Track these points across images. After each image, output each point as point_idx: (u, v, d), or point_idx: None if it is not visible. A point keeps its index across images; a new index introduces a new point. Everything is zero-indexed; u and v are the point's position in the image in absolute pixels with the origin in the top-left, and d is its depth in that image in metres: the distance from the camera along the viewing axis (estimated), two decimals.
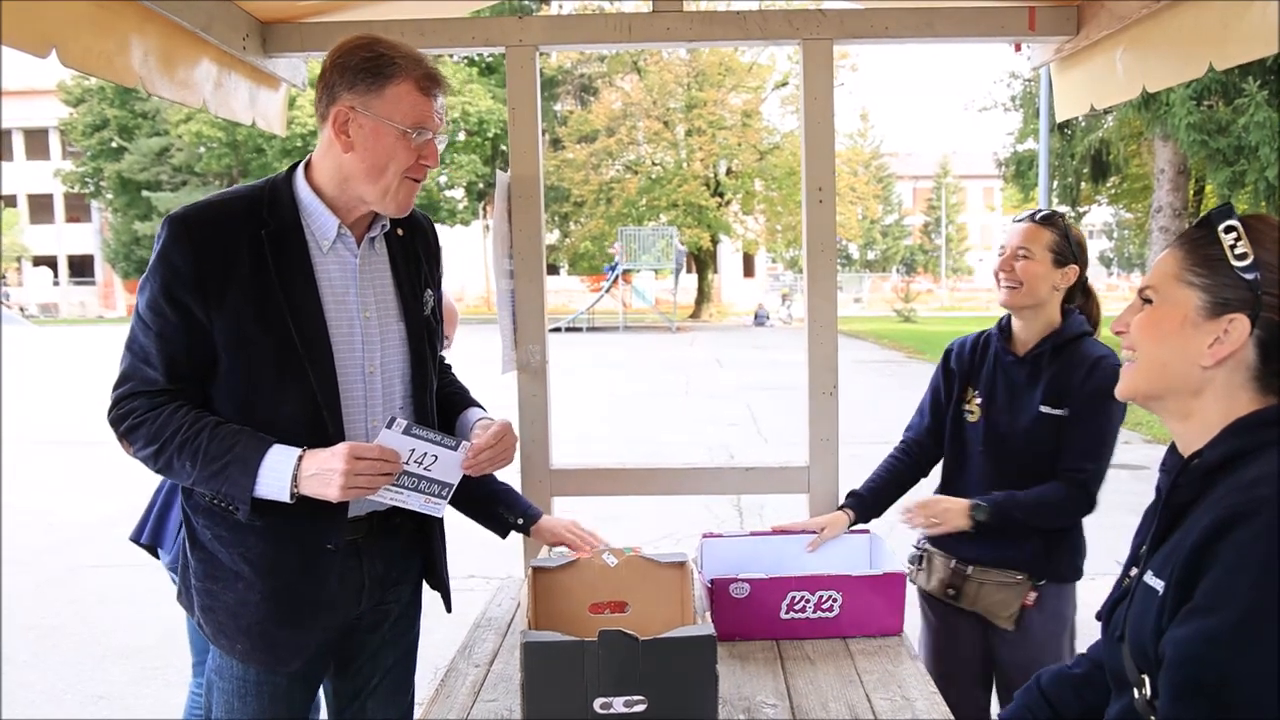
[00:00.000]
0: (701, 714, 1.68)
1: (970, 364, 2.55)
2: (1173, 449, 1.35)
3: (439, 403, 2.12)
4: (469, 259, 41.56)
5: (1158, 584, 1.24)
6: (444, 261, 2.19)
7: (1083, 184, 19.57)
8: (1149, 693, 1.23)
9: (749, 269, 45.27)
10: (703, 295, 35.77)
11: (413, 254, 2.02)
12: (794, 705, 1.93)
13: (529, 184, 2.78)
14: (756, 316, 31.89)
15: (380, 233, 1.95)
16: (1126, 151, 18.28)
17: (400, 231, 1.99)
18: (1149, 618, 1.23)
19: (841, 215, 33.68)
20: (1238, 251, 1.24)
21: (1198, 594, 1.17)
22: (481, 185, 32.75)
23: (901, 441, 2.68)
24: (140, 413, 1.78)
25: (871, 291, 43.18)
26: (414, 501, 1.87)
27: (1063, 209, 20.65)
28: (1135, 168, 19.73)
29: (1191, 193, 17.01)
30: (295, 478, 1.74)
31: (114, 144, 36.61)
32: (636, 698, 1.65)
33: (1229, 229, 1.26)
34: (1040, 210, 2.45)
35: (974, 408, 2.50)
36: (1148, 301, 1.33)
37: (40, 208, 44.52)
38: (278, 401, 1.80)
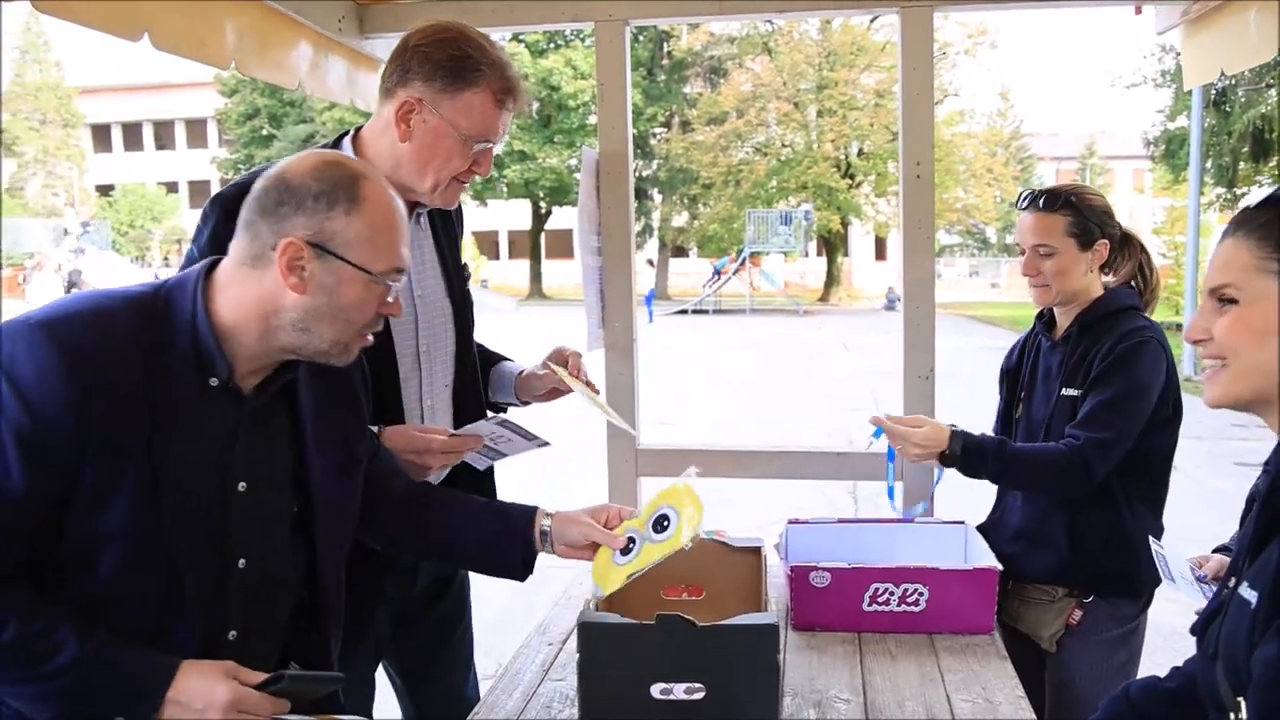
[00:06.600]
0: (761, 705, 1.62)
1: (1019, 364, 2.40)
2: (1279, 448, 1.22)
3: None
4: None
5: (1251, 596, 1.13)
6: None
7: (1240, 164, 18.32)
8: (1244, 716, 1.12)
9: (880, 252, 44.08)
10: (831, 279, 35.11)
11: (451, 230, 2.02)
12: (868, 701, 1.85)
13: (618, 160, 2.74)
14: (887, 300, 31.10)
15: (425, 210, 1.94)
16: None
17: None
18: (1241, 633, 1.12)
19: (978, 197, 32.58)
20: None
21: None
22: None
23: None
24: None
25: (1010, 276, 41.47)
26: (469, 456, 1.94)
27: (1219, 190, 19.48)
28: None
29: None
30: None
31: (264, 132, 38.45)
32: (696, 685, 1.61)
33: None
34: (1042, 192, 2.18)
35: (1019, 404, 2.36)
36: (1230, 301, 1.18)
37: (199, 193, 47.07)
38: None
